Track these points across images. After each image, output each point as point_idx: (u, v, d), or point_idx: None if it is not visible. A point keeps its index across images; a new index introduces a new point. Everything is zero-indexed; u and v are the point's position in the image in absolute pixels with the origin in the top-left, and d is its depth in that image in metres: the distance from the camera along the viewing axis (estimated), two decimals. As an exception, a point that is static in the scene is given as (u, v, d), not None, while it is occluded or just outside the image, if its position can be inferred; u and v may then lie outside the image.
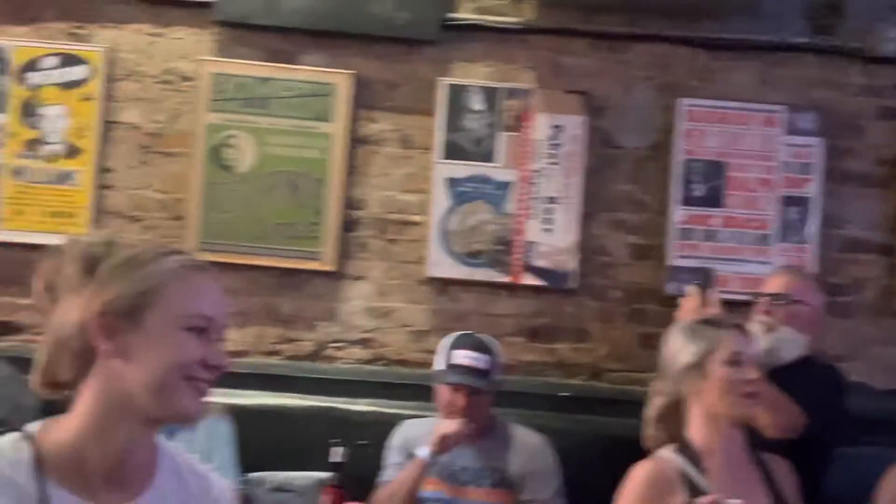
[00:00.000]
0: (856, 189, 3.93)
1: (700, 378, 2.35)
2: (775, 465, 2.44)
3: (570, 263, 3.87)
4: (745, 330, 2.49)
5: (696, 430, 2.37)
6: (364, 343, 3.90)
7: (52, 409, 1.41)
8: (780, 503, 2.38)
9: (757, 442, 2.50)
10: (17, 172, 3.87)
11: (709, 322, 2.47)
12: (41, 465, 1.32)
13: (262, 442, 3.37)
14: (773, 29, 3.93)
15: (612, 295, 3.90)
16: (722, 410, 2.34)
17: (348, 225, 3.90)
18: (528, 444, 3.15)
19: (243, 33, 3.91)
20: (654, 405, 2.45)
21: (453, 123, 3.89)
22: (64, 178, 3.87)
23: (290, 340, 3.90)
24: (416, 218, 3.91)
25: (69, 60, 3.89)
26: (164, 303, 1.35)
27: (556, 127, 3.89)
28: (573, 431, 3.49)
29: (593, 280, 3.90)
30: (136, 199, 3.91)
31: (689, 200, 3.88)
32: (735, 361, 2.35)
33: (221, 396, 2.97)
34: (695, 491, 2.26)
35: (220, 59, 3.90)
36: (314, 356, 3.89)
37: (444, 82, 3.90)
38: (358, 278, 3.91)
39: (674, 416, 2.40)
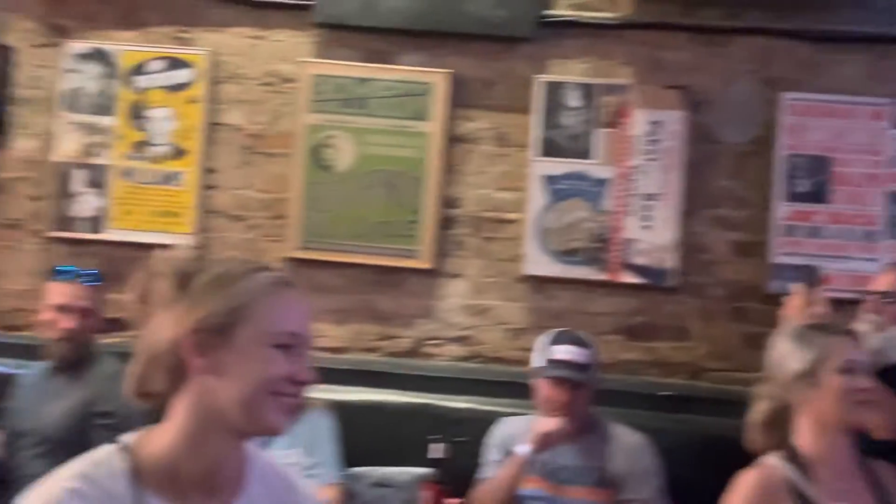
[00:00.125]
0: (968, 184, 3.79)
1: (811, 386, 2.29)
2: (883, 472, 2.38)
3: (670, 261, 3.82)
4: (857, 336, 2.42)
5: (804, 437, 2.31)
6: (461, 340, 3.92)
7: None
8: (889, 511, 2.31)
9: (863, 446, 2.44)
10: (126, 173, 4.00)
11: (819, 328, 2.41)
12: (139, 475, 1.35)
13: (360, 437, 3.41)
14: (882, 21, 3.81)
15: (712, 293, 3.84)
16: (833, 419, 2.28)
17: (445, 223, 3.92)
18: (628, 443, 3.12)
19: (342, 34, 3.97)
20: (760, 410, 2.40)
21: (550, 120, 3.88)
22: (170, 178, 3.98)
23: (388, 337, 3.94)
24: (513, 216, 3.91)
25: (174, 64, 4.00)
26: (254, 320, 1.37)
27: (655, 123, 3.84)
28: (673, 431, 3.44)
29: (693, 278, 3.84)
30: (239, 198, 3.99)
31: (792, 196, 3.80)
32: (848, 370, 2.29)
33: (323, 392, 3.04)
34: (803, 501, 2.21)
35: (320, 61, 3.96)
36: (412, 353, 3.93)
37: (541, 79, 3.89)
38: (455, 276, 3.93)
39: (780, 422, 2.35)
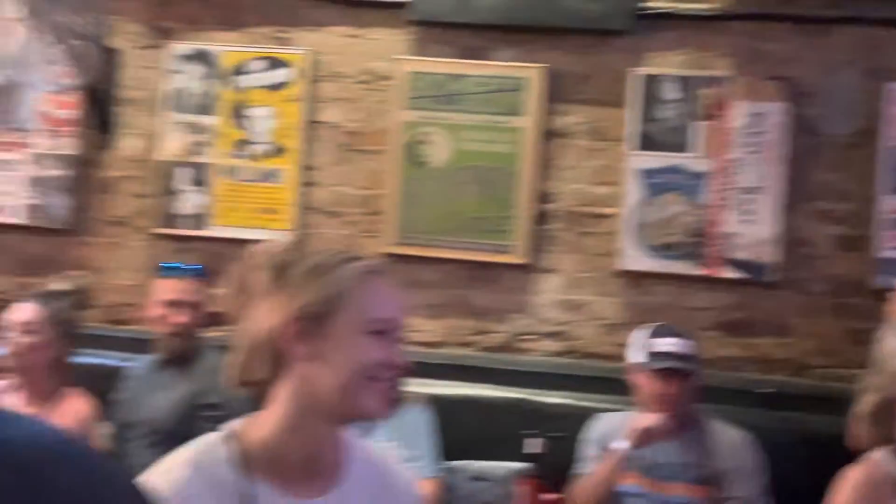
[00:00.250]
0: None
1: None
2: None
3: (770, 255, 3.75)
4: None
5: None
6: (556, 336, 3.91)
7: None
8: None
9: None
10: (228, 171, 4.09)
11: None
12: (243, 462, 1.40)
13: (454, 431, 3.43)
14: None
15: (815, 288, 3.76)
16: None
17: (540, 218, 3.92)
18: (730, 440, 3.07)
19: (437, 32, 3.99)
20: (867, 402, 2.35)
21: (646, 114, 3.84)
22: (270, 176, 4.06)
23: (483, 332, 3.96)
24: (608, 210, 3.89)
25: (274, 63, 4.07)
26: (350, 307, 1.40)
27: (756, 115, 3.77)
28: (775, 429, 3.38)
29: (795, 273, 3.76)
30: (337, 195, 4.05)
31: (898, 189, 3.69)
32: None
33: (418, 386, 3.06)
34: (910, 497, 2.15)
35: (415, 58, 4.00)
36: (506, 348, 3.94)
37: (638, 73, 3.86)
38: (549, 271, 3.92)
39: (887, 415, 2.29)
